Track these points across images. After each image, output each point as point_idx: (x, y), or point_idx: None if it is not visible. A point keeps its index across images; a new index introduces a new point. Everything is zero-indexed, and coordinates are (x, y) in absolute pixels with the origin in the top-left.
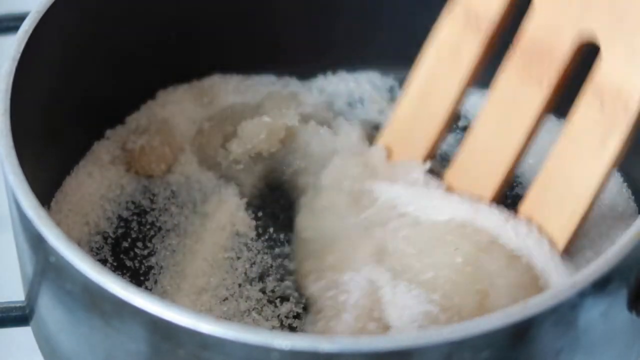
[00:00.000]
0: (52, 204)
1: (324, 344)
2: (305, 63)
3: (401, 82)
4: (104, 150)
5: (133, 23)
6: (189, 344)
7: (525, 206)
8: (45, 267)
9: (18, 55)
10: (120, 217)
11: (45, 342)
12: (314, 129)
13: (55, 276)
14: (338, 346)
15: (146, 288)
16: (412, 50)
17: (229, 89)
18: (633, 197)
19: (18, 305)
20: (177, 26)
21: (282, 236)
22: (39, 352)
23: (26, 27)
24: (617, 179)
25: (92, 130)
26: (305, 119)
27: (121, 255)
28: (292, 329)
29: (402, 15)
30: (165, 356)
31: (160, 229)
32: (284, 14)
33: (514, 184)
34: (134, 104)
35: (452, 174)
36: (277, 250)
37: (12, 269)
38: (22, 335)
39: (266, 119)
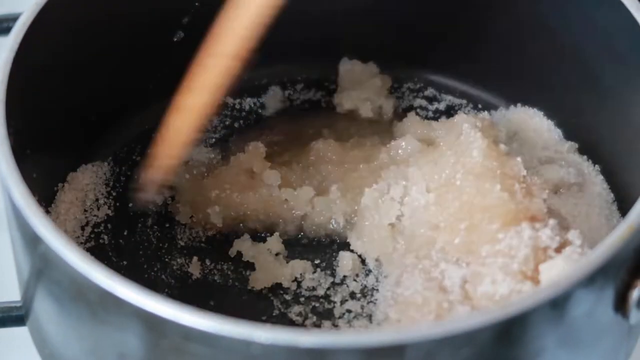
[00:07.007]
0: (57, 197)
1: (304, 339)
2: None
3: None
4: (107, 147)
5: (138, 18)
6: (172, 335)
7: None
8: (37, 259)
9: (16, 46)
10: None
11: (38, 336)
12: None
13: (45, 267)
14: (318, 341)
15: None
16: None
17: None
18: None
19: (18, 305)
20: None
21: None
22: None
23: (24, 19)
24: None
25: (95, 127)
26: None
27: None
28: None
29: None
30: (149, 347)
31: None
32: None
33: None
34: (137, 102)
35: None
36: None
37: (11, 270)
38: (22, 335)
39: None
